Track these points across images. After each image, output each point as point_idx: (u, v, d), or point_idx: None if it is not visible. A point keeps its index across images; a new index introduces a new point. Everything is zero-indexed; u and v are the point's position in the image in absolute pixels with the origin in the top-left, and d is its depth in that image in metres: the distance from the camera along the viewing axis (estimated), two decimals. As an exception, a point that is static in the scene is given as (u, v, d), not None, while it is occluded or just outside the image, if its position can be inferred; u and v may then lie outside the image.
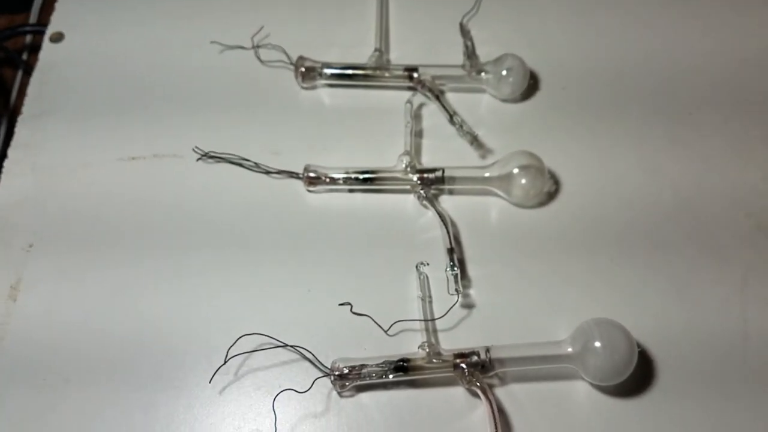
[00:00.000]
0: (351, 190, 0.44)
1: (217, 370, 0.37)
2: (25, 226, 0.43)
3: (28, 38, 0.59)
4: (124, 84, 0.49)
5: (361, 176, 0.43)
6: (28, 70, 0.55)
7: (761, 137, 0.46)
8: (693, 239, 0.42)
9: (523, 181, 0.42)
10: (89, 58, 0.50)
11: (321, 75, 0.48)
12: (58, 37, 0.51)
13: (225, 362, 0.37)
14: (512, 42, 0.50)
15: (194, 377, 0.38)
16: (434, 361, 0.37)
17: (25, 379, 0.38)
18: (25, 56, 0.58)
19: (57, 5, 0.52)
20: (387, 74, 0.48)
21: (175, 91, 0.48)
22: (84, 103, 0.48)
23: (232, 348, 0.37)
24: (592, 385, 0.37)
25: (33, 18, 0.59)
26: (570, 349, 0.37)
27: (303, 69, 0.48)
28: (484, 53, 0.48)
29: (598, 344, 0.36)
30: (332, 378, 0.37)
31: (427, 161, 0.45)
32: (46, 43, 0.51)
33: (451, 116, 0.46)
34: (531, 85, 0.48)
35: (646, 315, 0.40)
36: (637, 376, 0.37)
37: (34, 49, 0.58)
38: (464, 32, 0.49)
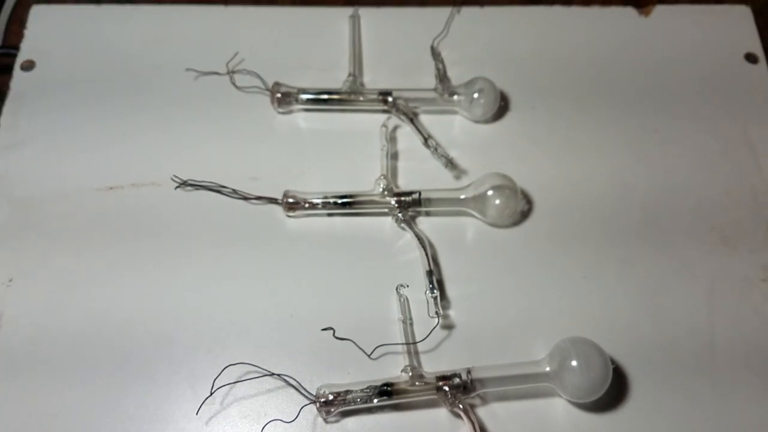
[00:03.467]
0: (330, 214, 0.45)
1: (203, 402, 0.38)
2: (3, 260, 0.43)
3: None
4: (100, 112, 0.48)
5: (339, 200, 0.44)
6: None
7: (721, 152, 0.48)
8: (661, 253, 0.44)
9: (497, 201, 0.43)
10: (62, 87, 0.49)
11: (297, 100, 0.48)
12: (28, 66, 0.50)
13: (211, 393, 0.38)
14: (482, 62, 0.51)
15: (180, 408, 0.38)
16: (417, 384, 0.38)
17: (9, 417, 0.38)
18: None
19: (26, 32, 0.52)
20: (362, 98, 0.48)
21: (152, 118, 0.48)
22: (59, 133, 0.47)
23: (217, 379, 0.38)
24: (569, 401, 0.39)
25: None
26: (548, 368, 0.38)
27: (279, 95, 0.48)
28: (455, 74, 0.49)
29: (574, 363, 0.37)
30: (318, 405, 0.37)
31: (403, 184, 0.46)
32: (17, 72, 0.50)
33: (426, 139, 0.47)
34: (502, 107, 0.49)
35: (619, 329, 0.41)
36: (612, 391, 0.38)
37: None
38: (435, 55, 0.50)
